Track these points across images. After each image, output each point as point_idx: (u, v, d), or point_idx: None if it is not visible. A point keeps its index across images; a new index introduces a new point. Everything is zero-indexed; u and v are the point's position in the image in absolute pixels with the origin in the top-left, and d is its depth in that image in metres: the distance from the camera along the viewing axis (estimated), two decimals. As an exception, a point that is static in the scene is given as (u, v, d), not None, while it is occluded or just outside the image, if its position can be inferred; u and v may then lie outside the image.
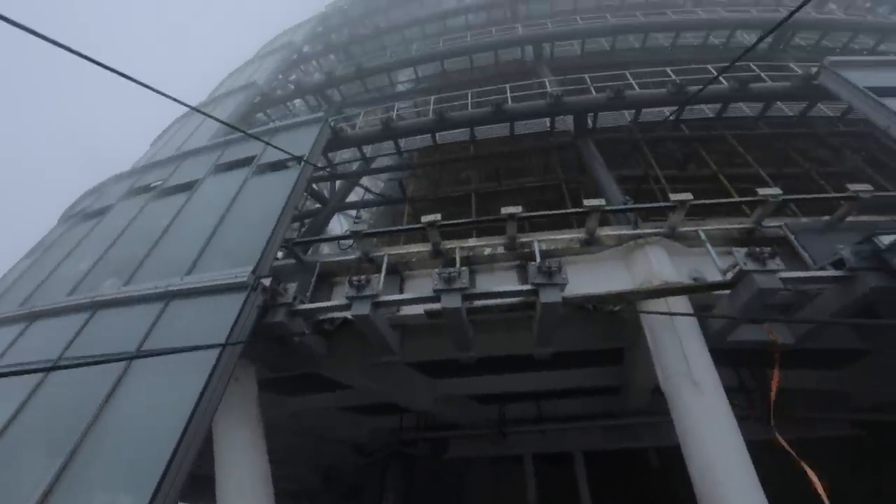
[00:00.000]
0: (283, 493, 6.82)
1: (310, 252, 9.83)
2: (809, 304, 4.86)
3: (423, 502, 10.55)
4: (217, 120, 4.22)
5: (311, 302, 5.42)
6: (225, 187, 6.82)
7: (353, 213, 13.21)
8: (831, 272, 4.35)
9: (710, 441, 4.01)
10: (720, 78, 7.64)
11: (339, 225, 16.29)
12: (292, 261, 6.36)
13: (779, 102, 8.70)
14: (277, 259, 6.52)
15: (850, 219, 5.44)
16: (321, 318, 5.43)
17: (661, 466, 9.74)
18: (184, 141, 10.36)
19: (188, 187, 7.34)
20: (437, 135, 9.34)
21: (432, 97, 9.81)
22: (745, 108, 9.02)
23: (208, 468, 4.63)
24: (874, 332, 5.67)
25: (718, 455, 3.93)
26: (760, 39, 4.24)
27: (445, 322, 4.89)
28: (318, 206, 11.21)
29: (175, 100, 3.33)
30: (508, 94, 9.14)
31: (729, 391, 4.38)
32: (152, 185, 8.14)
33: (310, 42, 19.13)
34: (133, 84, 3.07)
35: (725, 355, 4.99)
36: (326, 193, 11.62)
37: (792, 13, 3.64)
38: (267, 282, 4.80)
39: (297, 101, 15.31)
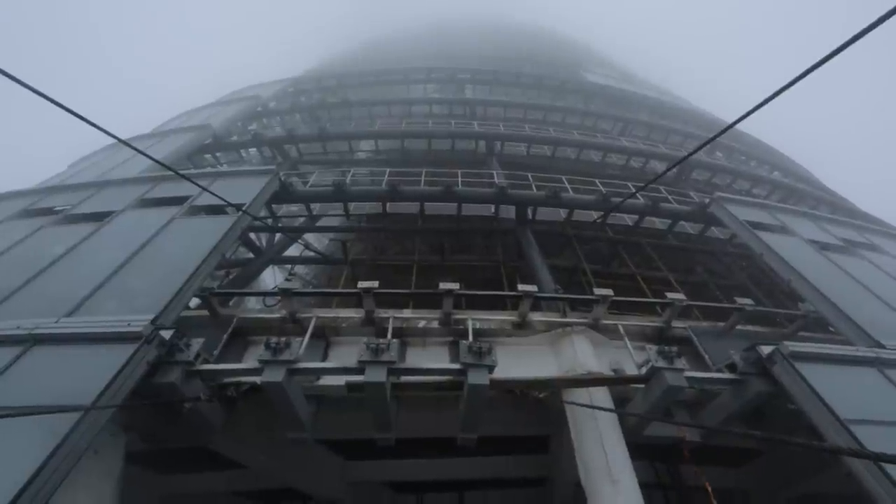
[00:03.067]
0: None
1: (231, 304, 8.97)
2: (712, 402, 5.25)
3: None
4: (144, 154, 3.96)
5: (218, 362, 4.78)
6: (145, 224, 6.21)
7: (289, 267, 12.55)
8: (727, 374, 4.81)
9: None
10: (638, 195, 9.11)
11: (272, 278, 15.28)
12: (206, 313, 5.71)
13: (682, 222, 10.29)
14: (189, 308, 5.82)
15: (739, 327, 6.23)
16: (225, 381, 4.75)
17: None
18: (111, 168, 9.57)
19: (100, 217, 6.58)
20: (389, 205, 9.61)
21: (388, 170, 10.25)
22: (657, 222, 10.54)
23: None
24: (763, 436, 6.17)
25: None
26: (668, 169, 5.24)
27: (367, 397, 4.52)
28: (250, 256, 10.54)
29: (100, 128, 3.11)
30: (459, 179, 9.83)
31: (646, 487, 4.38)
32: (56, 209, 7.19)
33: (278, 99, 19.68)
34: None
35: (640, 449, 5.09)
36: (263, 244, 11.04)
37: (690, 153, 4.59)
38: (167, 334, 4.19)
39: (253, 151, 15.17)
